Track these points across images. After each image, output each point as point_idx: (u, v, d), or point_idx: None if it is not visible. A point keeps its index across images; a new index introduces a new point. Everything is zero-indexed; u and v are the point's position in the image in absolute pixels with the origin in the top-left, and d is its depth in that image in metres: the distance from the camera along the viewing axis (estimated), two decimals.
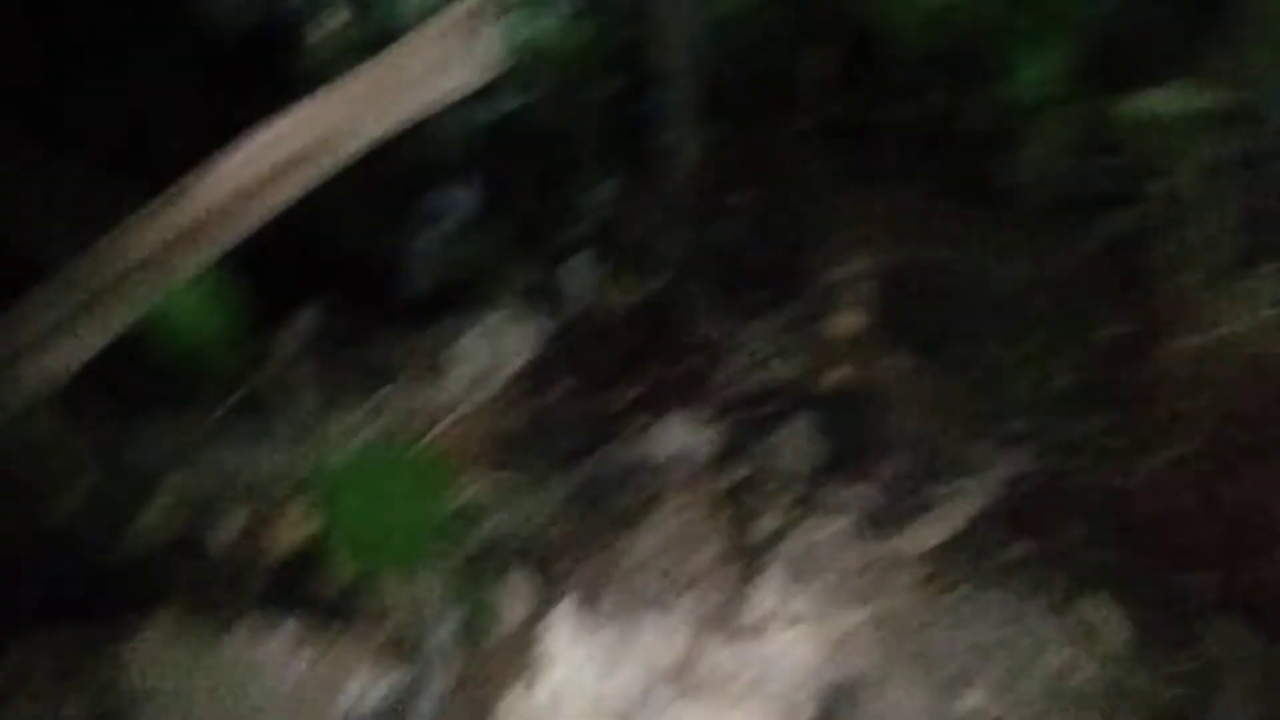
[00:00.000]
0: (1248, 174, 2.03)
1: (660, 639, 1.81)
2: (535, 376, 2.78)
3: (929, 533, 2.21)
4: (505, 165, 3.43)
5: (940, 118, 3.01)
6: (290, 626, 1.86)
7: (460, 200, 3.41)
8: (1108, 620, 2.03)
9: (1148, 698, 1.91)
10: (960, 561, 2.18)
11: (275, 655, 1.84)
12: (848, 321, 2.92)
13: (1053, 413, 2.61)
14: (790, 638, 1.82)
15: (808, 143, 3.34)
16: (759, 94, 3.21)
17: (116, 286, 1.50)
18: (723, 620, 1.88)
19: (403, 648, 1.96)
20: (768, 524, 2.34)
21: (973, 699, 1.90)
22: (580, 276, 3.11)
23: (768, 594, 1.89)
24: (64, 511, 1.99)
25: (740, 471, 2.47)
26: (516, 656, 1.86)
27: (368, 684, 1.83)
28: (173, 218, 1.49)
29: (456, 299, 3.12)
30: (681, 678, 1.76)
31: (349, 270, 3.15)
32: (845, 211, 3.23)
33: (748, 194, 3.44)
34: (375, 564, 1.62)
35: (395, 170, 3.16)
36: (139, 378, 1.83)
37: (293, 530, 2.03)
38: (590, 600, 1.87)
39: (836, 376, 2.80)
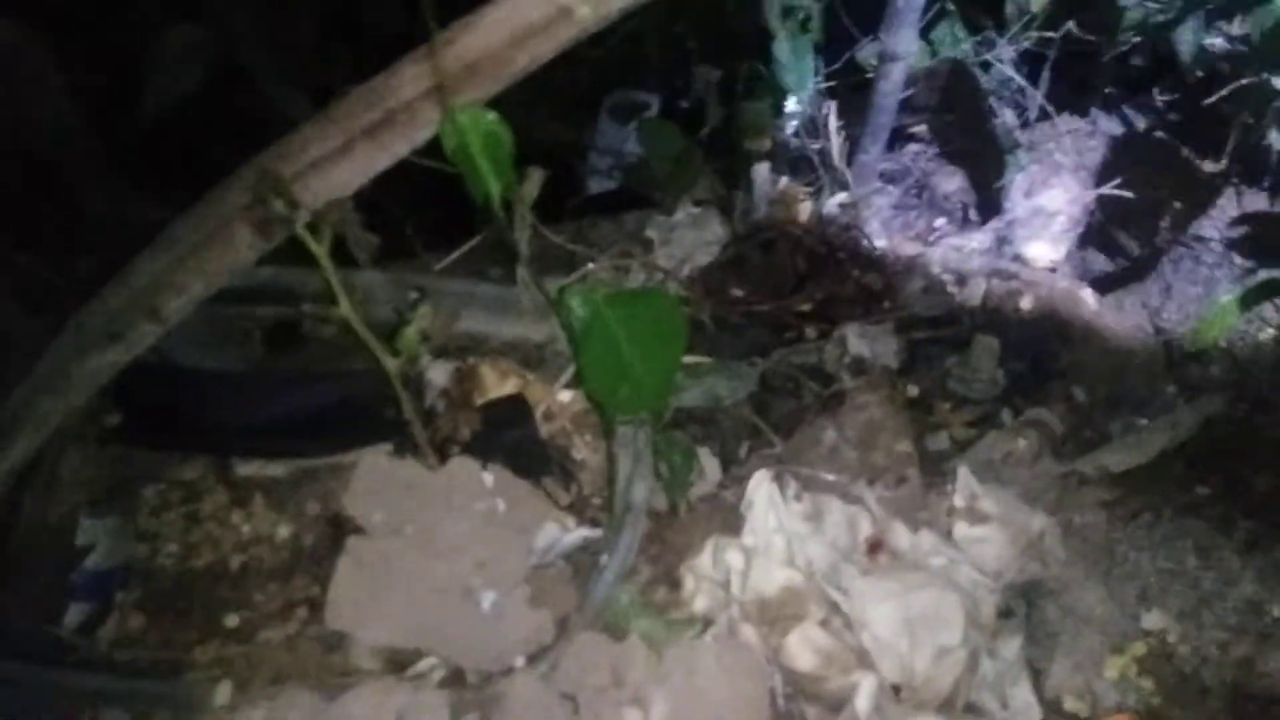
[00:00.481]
0: None
1: (848, 520, 1.86)
2: (720, 274, 2.84)
3: (1114, 460, 2.19)
4: (691, 71, 3.45)
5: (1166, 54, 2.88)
6: (496, 469, 1.97)
7: (645, 102, 3.46)
8: None
9: None
10: (1146, 491, 2.15)
11: (481, 493, 1.96)
12: (1036, 253, 2.87)
13: (1249, 363, 2.53)
14: (977, 534, 1.84)
15: (1013, 75, 3.25)
16: (967, 20, 3.13)
17: (395, 115, 1.61)
18: (910, 510, 1.91)
19: (600, 500, 2.07)
20: (951, 435, 2.35)
21: (1155, 619, 1.90)
22: (765, 185, 3.13)
23: (955, 493, 1.91)
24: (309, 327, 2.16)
25: (922, 385, 2.48)
26: (711, 517, 1.95)
27: (565, 529, 1.93)
28: (445, 59, 1.59)
29: (645, 196, 3.18)
30: (873, 554, 1.80)
31: (545, 159, 3.25)
32: (1047, 142, 3.15)
33: (942, 120, 3.39)
34: (619, 406, 1.70)
35: (582, 68, 3.24)
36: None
37: (505, 381, 2.15)
38: (783, 475, 1.93)
39: (1020, 306, 2.77)
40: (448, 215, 2.45)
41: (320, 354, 2.32)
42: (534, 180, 1.95)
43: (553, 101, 3.38)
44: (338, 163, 1.70)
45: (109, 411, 2.16)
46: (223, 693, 1.68)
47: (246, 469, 2.14)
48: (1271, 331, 2.65)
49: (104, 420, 2.14)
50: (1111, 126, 3.12)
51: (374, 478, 1.95)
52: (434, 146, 1.74)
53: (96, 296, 1.83)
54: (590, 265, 2.33)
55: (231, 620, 1.92)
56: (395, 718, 1.57)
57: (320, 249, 1.65)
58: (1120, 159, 2.97)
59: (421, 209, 2.60)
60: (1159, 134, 2.96)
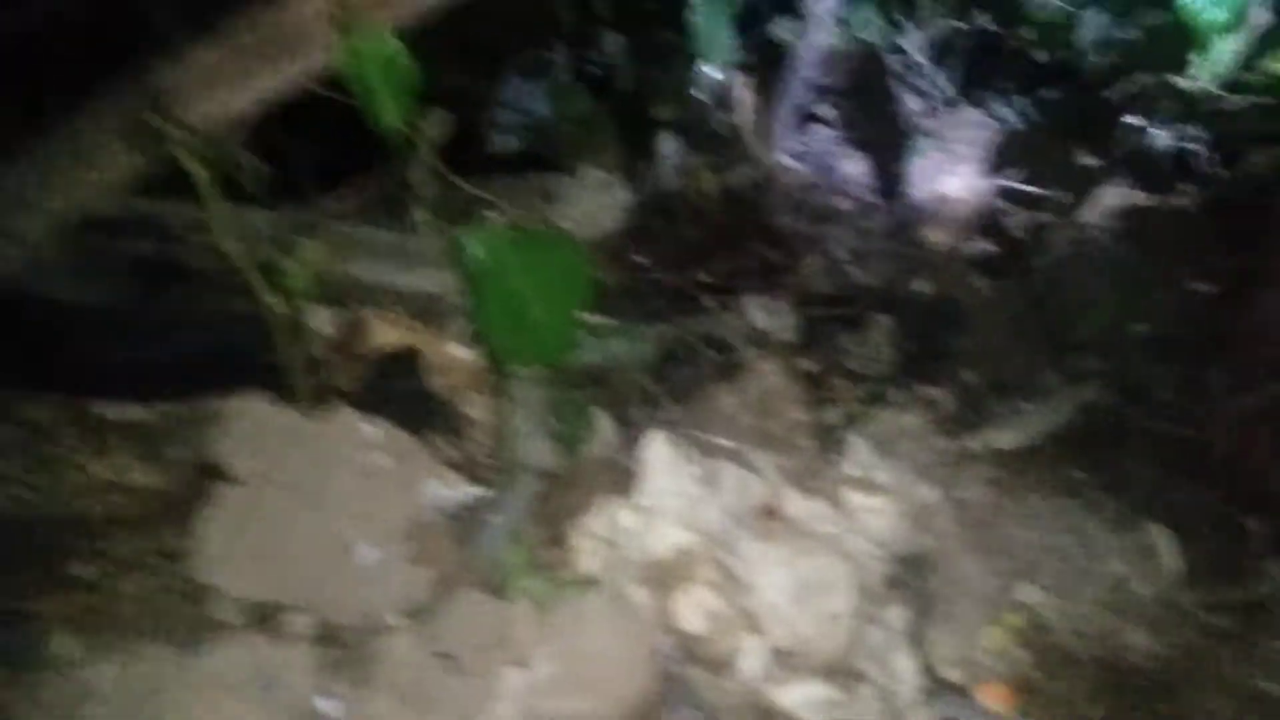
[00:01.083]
0: None
1: (743, 485, 1.84)
2: (624, 240, 2.79)
3: (999, 439, 2.24)
4: (606, 35, 3.38)
5: (1067, 51, 2.96)
6: (383, 420, 1.88)
7: (558, 61, 3.37)
8: (1165, 546, 2.07)
9: (1195, 620, 1.96)
10: (1028, 470, 2.22)
11: (366, 444, 1.87)
12: (934, 237, 2.91)
13: (1132, 355, 2.63)
14: (869, 504, 1.85)
15: (920, 64, 3.29)
16: (882, 5, 3.16)
17: (292, 36, 1.50)
18: (804, 479, 1.91)
19: (492, 456, 1.99)
20: (845, 410, 2.37)
21: (1029, 592, 1.95)
22: (672, 155, 3.10)
23: (847, 463, 1.91)
24: (194, 267, 2.02)
25: (819, 359, 2.50)
26: (605, 477, 1.90)
27: (454, 484, 1.86)
28: None
29: (550, 157, 3.10)
30: (766, 519, 1.79)
31: (450, 110, 3.13)
32: (949, 130, 3.21)
33: (853, 104, 3.41)
34: (518, 356, 1.62)
35: (495, 25, 3.13)
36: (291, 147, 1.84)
37: (396, 331, 2.05)
38: (679, 439, 1.89)
39: (916, 287, 2.81)
40: (346, 156, 2.32)
41: (196, 295, 2.16)
42: (437, 121, 1.86)
43: (462, 54, 3.25)
44: (229, 83, 1.58)
45: None
46: (67, 645, 1.54)
47: (108, 411, 1.98)
48: (1144, 326, 2.76)
49: None
50: (1010, 118, 3.19)
51: (248, 424, 1.83)
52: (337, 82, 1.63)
53: None
54: (491, 215, 2.23)
55: (83, 570, 1.77)
56: (257, 673, 1.47)
57: (203, 174, 1.53)
58: (1015, 150, 3.04)
59: (319, 147, 2.46)
60: (1052, 128, 3.04)
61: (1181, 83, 2.38)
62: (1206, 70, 2.24)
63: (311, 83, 1.69)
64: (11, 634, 1.56)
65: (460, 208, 2.29)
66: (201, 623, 1.63)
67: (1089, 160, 2.91)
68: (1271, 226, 2.15)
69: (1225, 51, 2.19)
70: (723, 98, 3.33)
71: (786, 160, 3.24)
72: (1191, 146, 2.68)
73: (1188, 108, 2.54)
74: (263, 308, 1.85)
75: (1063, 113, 2.99)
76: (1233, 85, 2.37)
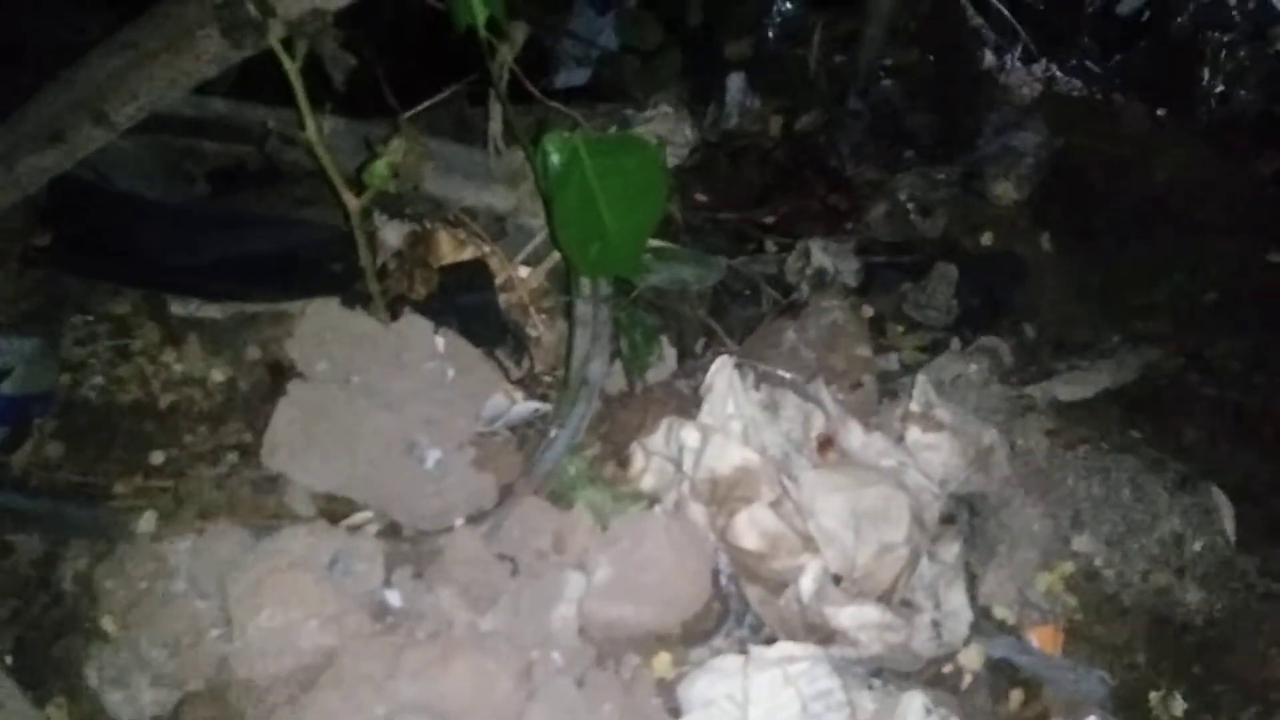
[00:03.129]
0: None
1: (804, 415, 1.85)
2: (687, 179, 2.78)
3: (1062, 390, 2.22)
4: None
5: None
6: (446, 335, 1.90)
7: None
8: (1224, 509, 2.05)
9: (1253, 582, 1.94)
10: (1088, 424, 2.19)
11: (433, 352, 1.89)
12: (1001, 191, 2.87)
13: (1198, 323, 2.59)
14: (929, 441, 1.86)
15: (998, 14, 3.23)
16: None
17: None
18: (864, 413, 1.91)
19: (551, 376, 2.02)
20: (898, 356, 2.36)
21: (1085, 542, 1.94)
22: (740, 93, 3.07)
23: (912, 400, 1.91)
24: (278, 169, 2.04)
25: (880, 305, 2.48)
26: (661, 405, 1.91)
27: (518, 397, 1.88)
28: None
29: (616, 90, 3.09)
30: (825, 449, 1.80)
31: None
32: (1016, 90, 3.15)
33: (926, 53, 3.35)
34: (590, 263, 1.63)
35: None
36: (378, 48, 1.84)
37: (466, 245, 2.07)
38: (742, 367, 1.90)
39: (984, 240, 2.78)
40: (426, 66, 2.32)
41: (272, 198, 2.20)
42: (519, 31, 1.85)
43: None
44: None
45: (38, 231, 2.02)
46: (147, 521, 1.60)
47: (182, 308, 2.03)
48: (1213, 295, 2.71)
49: (32, 239, 2.00)
50: (1087, 77, 3.12)
51: (321, 326, 1.87)
52: None
53: (38, 94, 1.68)
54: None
55: (158, 458, 1.84)
56: (329, 558, 1.51)
57: (292, 65, 1.54)
58: (1090, 109, 2.98)
59: (399, 58, 2.46)
60: (1129, 88, 2.97)
61: (1268, 45, 2.31)
62: None
63: None
64: (98, 510, 1.61)
65: (532, 128, 2.30)
66: (273, 509, 1.68)
67: (1167, 122, 2.84)
68: None
69: None
70: (796, 38, 3.28)
71: (856, 105, 3.19)
72: (1272, 111, 2.60)
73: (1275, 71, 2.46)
74: (338, 213, 1.87)
75: (1143, 72, 2.92)
76: None
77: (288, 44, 1.50)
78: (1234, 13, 2.56)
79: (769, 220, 2.83)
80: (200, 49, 1.55)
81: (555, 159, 1.48)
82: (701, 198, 2.87)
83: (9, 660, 1.46)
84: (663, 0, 3.32)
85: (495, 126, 1.98)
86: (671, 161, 2.83)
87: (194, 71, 1.58)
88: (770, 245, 2.74)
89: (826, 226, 2.80)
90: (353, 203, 1.67)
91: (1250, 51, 2.51)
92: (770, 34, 3.38)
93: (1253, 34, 2.49)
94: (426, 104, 1.79)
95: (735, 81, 3.19)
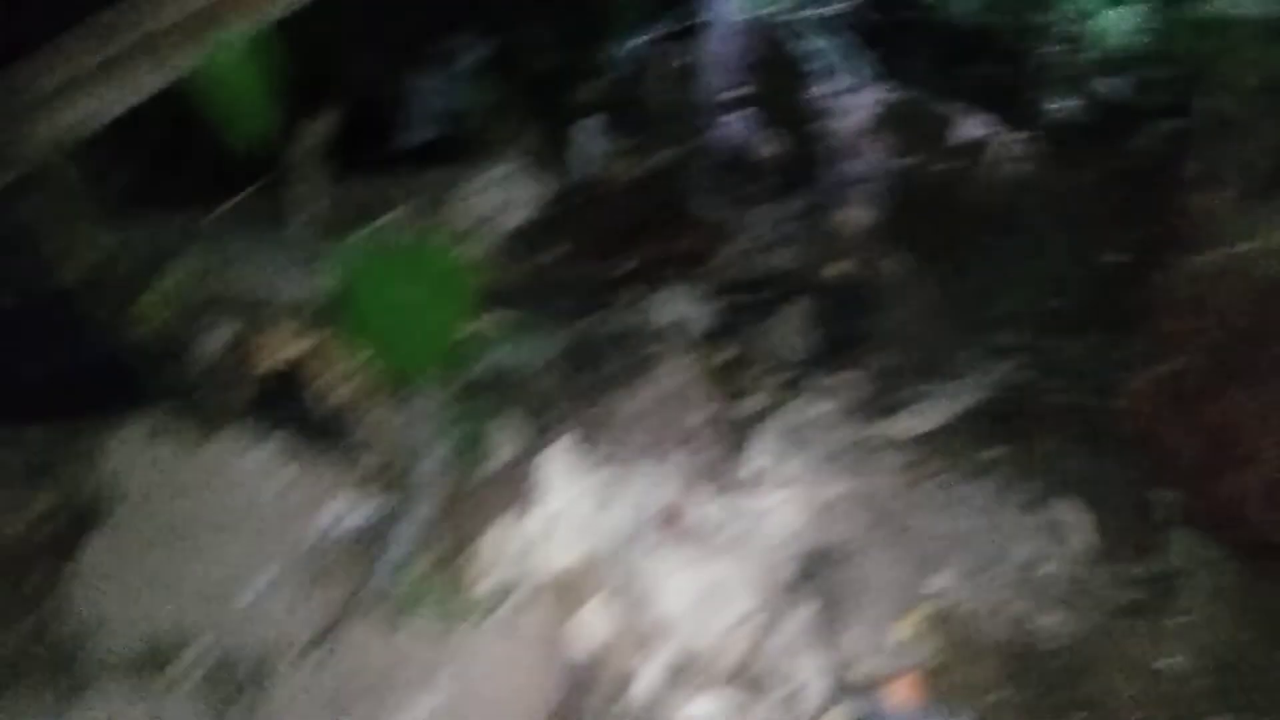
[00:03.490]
0: None
1: (650, 487, 1.82)
2: (537, 233, 2.73)
3: (913, 424, 2.23)
4: (521, 18, 3.30)
5: (975, 23, 2.93)
6: (274, 442, 1.82)
7: (472, 47, 3.28)
8: (1077, 523, 2.08)
9: (1108, 597, 1.97)
10: (941, 454, 2.21)
11: (256, 468, 1.81)
12: (853, 217, 2.89)
13: (1045, 329, 2.63)
14: (776, 499, 1.84)
15: (830, 38, 3.26)
16: None
17: (150, 42, 1.42)
18: (712, 477, 1.89)
19: (388, 474, 1.94)
20: (758, 400, 2.34)
21: (942, 580, 1.94)
22: (588, 141, 3.04)
23: (756, 458, 1.89)
24: (62, 285, 1.92)
25: (734, 349, 2.47)
26: (505, 491, 1.86)
27: (349, 505, 1.81)
28: None
29: (461, 148, 3.02)
30: (669, 525, 1.76)
31: (355, 103, 3.03)
32: (862, 110, 3.18)
33: (764, 83, 3.36)
34: (394, 360, 1.56)
35: (409, 8, 3.03)
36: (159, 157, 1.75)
37: (285, 346, 1.98)
38: (582, 445, 1.86)
39: (835, 270, 2.79)
40: (231, 161, 2.22)
41: (74, 312, 2.07)
42: (317, 128, 1.79)
43: (371, 46, 3.15)
44: (93, 89, 1.49)
45: None
46: None
47: None
48: (1058, 301, 2.76)
49: None
50: (924, 94, 3.16)
51: (132, 451, 1.77)
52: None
53: None
54: (379, 222, 2.16)
55: None
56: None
57: (63, 186, 1.44)
58: (929, 126, 3.01)
59: (201, 153, 2.36)
60: (965, 105, 3.01)
61: (1083, 52, 2.36)
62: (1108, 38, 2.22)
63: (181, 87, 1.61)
64: None
65: (354, 209, 2.22)
66: (84, 670, 1.57)
67: (1003, 133, 2.89)
68: (1172, 197, 2.15)
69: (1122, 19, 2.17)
70: (642, 79, 3.26)
71: (705, 141, 3.18)
72: (1095, 116, 2.66)
73: (1091, 77, 2.52)
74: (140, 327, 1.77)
75: (975, 85, 2.96)
76: (1130, 56, 2.35)
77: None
78: (1050, 22, 2.61)
79: (620, 272, 2.79)
80: None
81: (352, 269, 1.42)
82: (550, 253, 2.81)
83: None
84: (508, 51, 3.27)
85: (301, 222, 1.90)
86: (518, 217, 2.78)
87: None
88: (628, 295, 2.70)
89: (679, 271, 2.78)
90: (142, 327, 1.57)
91: (1064, 59, 2.55)
92: (620, 75, 3.35)
93: (1065, 41, 2.54)
94: (220, 209, 1.69)
95: (586, 127, 3.15)
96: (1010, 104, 2.86)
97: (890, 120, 2.99)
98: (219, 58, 1.34)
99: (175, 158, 2.02)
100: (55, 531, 1.74)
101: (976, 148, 2.86)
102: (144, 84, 1.43)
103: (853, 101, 3.01)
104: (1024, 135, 2.88)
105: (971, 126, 2.92)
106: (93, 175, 1.40)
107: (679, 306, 2.47)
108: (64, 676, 1.54)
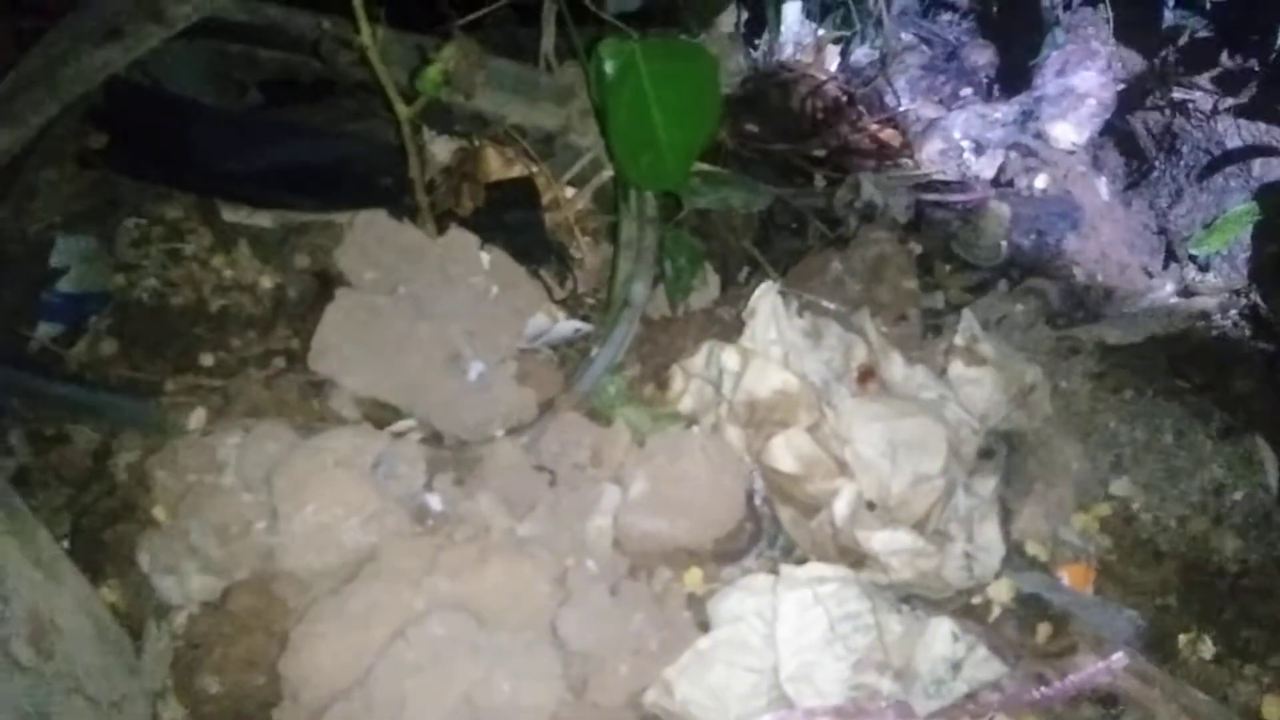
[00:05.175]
0: None
1: (846, 344, 1.84)
2: (736, 109, 2.75)
3: (1109, 334, 2.19)
4: None
5: None
6: (492, 251, 1.91)
7: None
8: (1267, 461, 2.02)
9: None
10: (1134, 370, 2.16)
11: (478, 269, 1.90)
12: (1059, 133, 2.81)
13: (1255, 274, 2.53)
14: (971, 375, 1.84)
15: None
16: None
17: None
18: (908, 346, 1.90)
19: (594, 297, 2.02)
20: (944, 295, 2.33)
21: (1123, 485, 1.93)
22: (794, 24, 3.01)
23: (956, 333, 1.89)
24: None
25: (926, 244, 2.46)
26: (702, 329, 1.91)
27: (560, 318, 1.89)
28: None
29: (665, 18, 3.03)
30: (864, 380, 1.79)
31: None
32: (1080, 27, 3.06)
33: None
34: (640, 172, 1.61)
35: None
36: None
37: (514, 163, 2.07)
38: (785, 295, 1.89)
39: (1034, 184, 2.73)
40: None
41: (322, 111, 2.20)
42: None
43: None
44: None
45: (93, 133, 2.04)
46: (197, 417, 1.64)
47: (234, 214, 2.05)
48: (1273, 248, 2.64)
49: (89, 140, 2.03)
50: (1154, 18, 3.01)
51: (370, 236, 1.88)
52: None
53: None
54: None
55: (207, 359, 1.87)
56: (373, 460, 1.54)
57: None
58: (1157, 53, 2.88)
59: None
60: (1200, 34, 2.86)
61: None
62: None
63: None
64: (150, 405, 1.66)
65: (588, 45, 2.27)
66: (319, 412, 1.71)
67: (1239, 73, 2.74)
68: None
69: None
70: None
71: (913, 40, 3.12)
72: None
73: None
74: (389, 128, 1.87)
75: (1214, 18, 2.81)
76: None
77: None
78: None
79: (819, 154, 2.80)
80: None
81: (610, 65, 1.46)
82: (751, 128, 2.83)
83: (66, 544, 1.51)
84: None
85: (547, 42, 1.96)
86: (723, 90, 2.79)
87: None
88: (819, 179, 2.71)
89: (878, 162, 2.77)
90: (404, 111, 1.67)
91: None
92: None
93: None
94: (474, 15, 1.76)
95: (791, 10, 3.13)
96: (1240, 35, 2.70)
97: (1121, 43, 2.86)
98: None
99: None
100: (304, 290, 1.88)
101: (1208, 83, 2.73)
102: None
103: (1082, 18, 2.90)
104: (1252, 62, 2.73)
105: (1202, 59, 2.78)
106: None
107: (878, 192, 2.46)
108: (302, 414, 1.67)
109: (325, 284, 1.93)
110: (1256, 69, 2.67)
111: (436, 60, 1.61)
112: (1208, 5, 2.74)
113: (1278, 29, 2.54)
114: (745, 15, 3.08)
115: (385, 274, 1.86)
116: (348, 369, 1.70)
